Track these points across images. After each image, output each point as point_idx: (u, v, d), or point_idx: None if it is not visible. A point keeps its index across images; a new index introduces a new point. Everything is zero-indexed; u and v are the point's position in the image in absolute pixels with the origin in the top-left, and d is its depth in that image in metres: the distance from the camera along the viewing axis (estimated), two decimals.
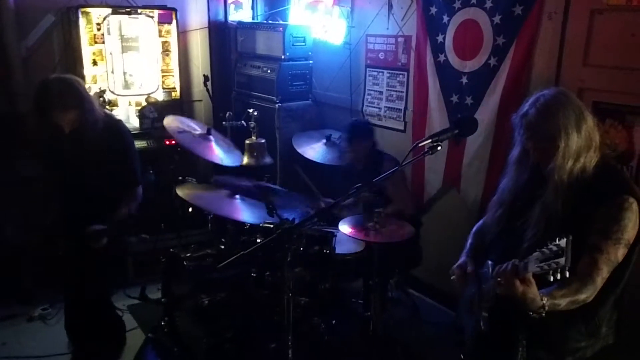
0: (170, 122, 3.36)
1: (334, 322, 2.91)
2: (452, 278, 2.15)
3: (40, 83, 2.78)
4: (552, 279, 1.61)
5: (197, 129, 3.43)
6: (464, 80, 3.41)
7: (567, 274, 1.59)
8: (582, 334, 1.94)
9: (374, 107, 4.19)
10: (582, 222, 1.82)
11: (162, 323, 3.07)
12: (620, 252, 1.80)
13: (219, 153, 3.33)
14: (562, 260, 1.57)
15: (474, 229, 2.31)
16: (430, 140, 1.98)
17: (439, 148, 1.97)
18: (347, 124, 3.53)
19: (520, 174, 2.05)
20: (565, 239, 1.57)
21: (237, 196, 2.95)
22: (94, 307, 2.99)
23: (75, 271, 2.91)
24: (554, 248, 1.59)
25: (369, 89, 4.22)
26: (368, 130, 3.47)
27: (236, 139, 3.79)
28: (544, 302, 1.71)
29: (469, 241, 2.27)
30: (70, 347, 3.23)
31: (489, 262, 1.95)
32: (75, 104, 2.76)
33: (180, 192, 2.98)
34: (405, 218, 3.07)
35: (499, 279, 1.74)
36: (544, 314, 1.72)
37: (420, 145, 2.00)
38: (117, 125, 3.02)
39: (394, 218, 2.98)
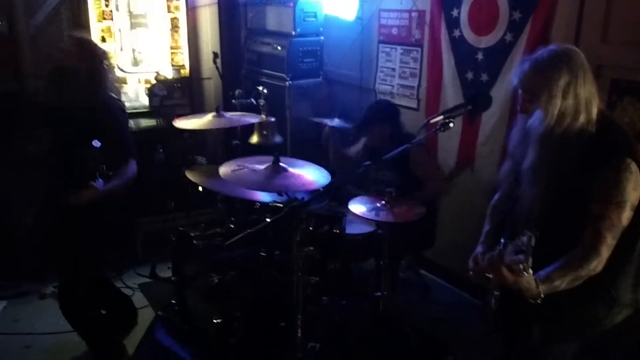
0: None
1: (343, 302, 2.88)
2: (469, 273, 2.09)
3: (53, 67, 2.90)
4: (525, 274, 1.58)
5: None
6: (480, 56, 3.32)
7: (530, 272, 1.57)
8: (598, 307, 1.88)
9: (387, 84, 4.11)
10: (580, 191, 1.77)
11: (173, 301, 3.08)
12: (625, 215, 1.74)
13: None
14: (522, 257, 1.55)
15: (490, 209, 2.25)
16: (442, 117, 1.93)
17: (452, 125, 1.92)
18: (369, 106, 3.44)
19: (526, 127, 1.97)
20: (526, 237, 1.55)
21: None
22: (90, 287, 2.99)
23: (67, 246, 2.90)
24: (519, 243, 1.58)
25: (381, 66, 4.14)
26: (390, 113, 3.37)
27: None
28: (540, 289, 1.68)
29: (485, 226, 2.21)
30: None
31: (502, 240, 1.90)
32: (90, 54, 2.87)
33: (190, 175, 2.95)
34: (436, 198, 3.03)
35: (488, 272, 1.70)
36: (539, 301, 1.68)
37: (432, 121, 1.95)
38: (113, 104, 3.05)
39: (406, 198, 2.92)
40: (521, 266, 1.57)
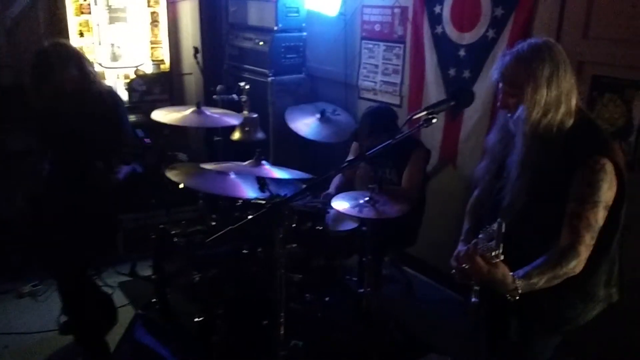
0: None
1: (327, 299, 2.88)
2: (452, 272, 2.10)
3: (37, 51, 2.83)
4: (497, 260, 1.59)
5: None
6: (462, 52, 3.32)
7: (502, 257, 1.57)
8: (575, 302, 1.91)
9: (370, 81, 4.10)
10: (559, 187, 1.78)
11: (153, 300, 3.04)
12: (600, 215, 1.75)
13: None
14: (493, 244, 1.55)
15: (468, 207, 2.24)
16: (425, 112, 1.91)
17: (435, 120, 1.91)
18: (364, 114, 3.28)
19: (507, 124, 1.96)
20: (497, 223, 1.54)
21: (231, 174, 2.89)
22: (79, 282, 2.95)
23: (60, 241, 2.85)
24: (490, 231, 1.57)
25: (364, 62, 4.13)
26: (388, 121, 3.19)
27: None
28: (517, 284, 1.67)
29: (465, 225, 2.20)
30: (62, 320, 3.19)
31: (480, 236, 1.90)
32: (75, 62, 2.81)
33: (171, 173, 2.92)
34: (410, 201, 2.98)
35: (463, 263, 1.69)
36: (517, 297, 1.68)
37: (415, 117, 1.94)
38: (112, 91, 3.11)
39: (389, 195, 2.91)
40: (493, 253, 1.56)
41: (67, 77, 2.78)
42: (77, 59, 2.84)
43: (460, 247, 2.09)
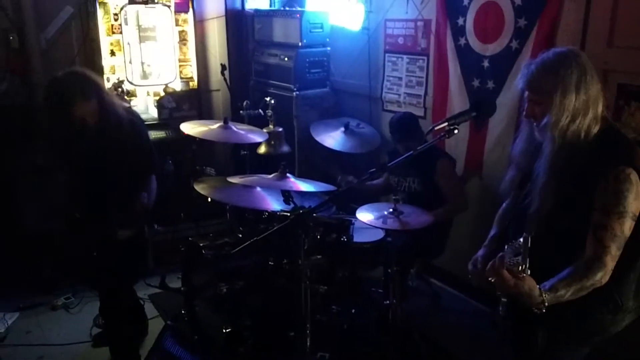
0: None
1: (353, 310, 2.88)
2: (469, 275, 2.10)
3: (52, 80, 2.74)
4: (523, 275, 1.58)
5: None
6: (486, 64, 3.33)
7: (528, 272, 1.56)
8: (604, 313, 1.88)
9: (393, 93, 4.12)
10: (585, 196, 1.77)
11: (182, 311, 3.09)
12: (627, 226, 1.73)
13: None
14: (519, 259, 1.55)
15: (498, 214, 2.25)
16: (447, 123, 1.93)
17: (456, 131, 1.93)
18: (392, 119, 3.41)
19: (532, 133, 1.96)
20: (522, 237, 1.54)
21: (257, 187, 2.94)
22: (118, 294, 3.02)
23: (99, 259, 2.93)
24: (517, 245, 1.57)
25: (388, 75, 4.16)
26: (409, 127, 3.32)
27: None
28: (544, 297, 1.66)
29: (492, 231, 2.22)
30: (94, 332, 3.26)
31: (507, 247, 1.89)
32: (95, 92, 2.72)
33: (199, 186, 2.98)
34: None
35: (489, 277, 1.69)
36: (544, 310, 1.67)
37: (436, 128, 1.96)
38: (136, 116, 3.05)
39: (414, 207, 2.92)
40: (520, 268, 1.56)
41: (86, 110, 2.69)
42: (97, 90, 2.73)
43: (480, 252, 2.10)
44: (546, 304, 1.67)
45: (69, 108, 2.67)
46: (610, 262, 1.72)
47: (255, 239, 2.02)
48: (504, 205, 2.25)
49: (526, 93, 1.91)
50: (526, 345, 2.03)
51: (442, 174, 3.21)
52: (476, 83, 3.41)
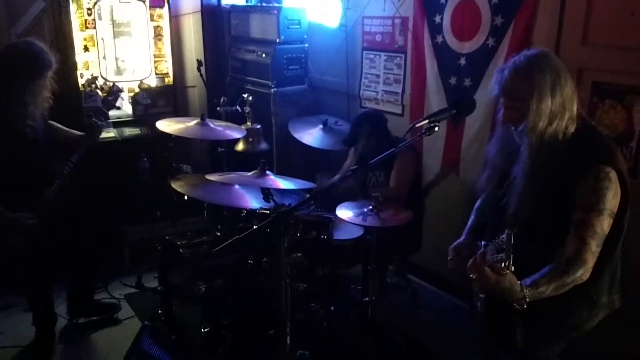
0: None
1: (332, 308, 2.88)
2: (449, 259, 2.12)
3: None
4: (507, 272, 1.60)
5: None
6: (462, 61, 3.35)
7: (512, 269, 1.58)
8: (581, 309, 1.92)
9: (371, 90, 4.13)
10: (564, 195, 1.79)
11: (160, 311, 3.05)
12: (606, 223, 1.77)
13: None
14: (503, 255, 1.56)
15: (477, 204, 2.27)
16: (427, 121, 1.93)
17: (437, 129, 1.93)
18: (353, 119, 3.43)
19: (507, 135, 1.98)
20: (505, 234, 1.56)
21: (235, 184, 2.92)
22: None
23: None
24: (499, 242, 1.59)
25: (365, 72, 4.16)
26: (375, 122, 3.35)
27: None
28: (525, 292, 1.68)
29: (471, 219, 2.25)
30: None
31: (482, 243, 1.90)
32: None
33: (176, 184, 2.95)
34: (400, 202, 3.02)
35: (470, 273, 1.70)
36: (525, 306, 1.69)
37: (417, 126, 1.96)
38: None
39: (392, 203, 2.93)
40: (503, 264, 1.58)
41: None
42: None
43: (463, 239, 2.15)
44: (527, 299, 1.69)
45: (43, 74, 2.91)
46: (591, 259, 1.75)
47: (237, 237, 2.00)
48: (483, 197, 2.26)
49: (501, 99, 1.92)
50: (505, 340, 2.06)
51: (399, 159, 3.21)
52: (453, 81, 3.43)
